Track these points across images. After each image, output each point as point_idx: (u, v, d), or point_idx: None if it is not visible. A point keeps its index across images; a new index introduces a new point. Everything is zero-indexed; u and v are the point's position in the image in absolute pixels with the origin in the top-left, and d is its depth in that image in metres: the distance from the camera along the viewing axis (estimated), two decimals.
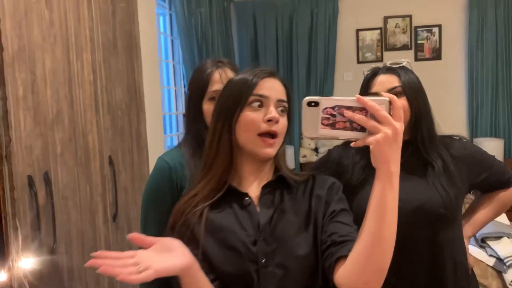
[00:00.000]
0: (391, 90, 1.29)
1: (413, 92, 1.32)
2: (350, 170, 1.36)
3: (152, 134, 2.47)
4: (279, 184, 1.05)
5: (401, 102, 1.26)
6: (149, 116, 2.30)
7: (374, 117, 0.80)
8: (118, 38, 1.94)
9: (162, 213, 1.21)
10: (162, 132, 2.86)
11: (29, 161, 1.29)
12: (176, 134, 3.56)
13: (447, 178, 1.30)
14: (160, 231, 1.12)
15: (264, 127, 0.98)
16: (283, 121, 1.02)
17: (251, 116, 0.99)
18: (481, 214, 1.43)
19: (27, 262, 0.94)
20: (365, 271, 0.84)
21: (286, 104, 1.03)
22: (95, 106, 1.69)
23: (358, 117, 0.80)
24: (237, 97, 1.00)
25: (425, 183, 1.31)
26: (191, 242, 0.98)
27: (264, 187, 1.04)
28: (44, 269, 1.31)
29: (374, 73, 1.35)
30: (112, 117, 1.84)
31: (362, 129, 0.81)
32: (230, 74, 1.30)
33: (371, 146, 0.80)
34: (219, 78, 1.29)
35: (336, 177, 1.10)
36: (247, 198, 1.02)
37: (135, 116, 2.10)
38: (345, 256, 0.89)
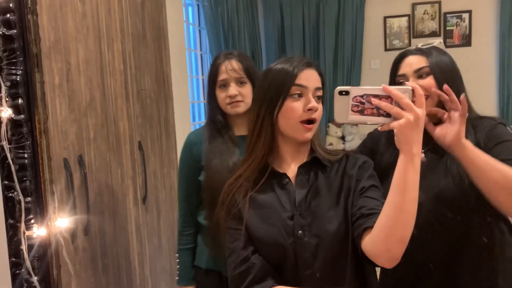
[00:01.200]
0: (418, 71, 1.29)
1: (442, 73, 1.28)
2: (379, 153, 1.39)
3: (180, 121, 2.56)
4: (314, 164, 1.16)
5: (429, 82, 1.27)
6: (176, 104, 2.38)
7: (398, 104, 0.90)
8: (147, 28, 2.02)
9: (187, 179, 1.59)
10: (190, 120, 2.95)
11: (64, 145, 1.39)
12: (203, 121, 3.65)
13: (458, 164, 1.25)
14: (187, 192, 1.60)
15: (305, 115, 1.10)
16: (320, 108, 1.13)
17: (293, 106, 1.10)
18: (488, 157, 1.22)
19: (62, 222, 1.08)
20: (388, 240, 0.94)
21: (321, 92, 1.14)
22: (125, 94, 1.78)
23: (384, 104, 0.91)
24: (279, 87, 1.10)
25: (445, 169, 1.28)
26: (236, 218, 1.14)
27: (300, 167, 1.15)
28: (80, 244, 1.41)
29: (403, 55, 1.35)
30: (142, 105, 1.93)
31: (388, 115, 0.92)
32: (234, 64, 1.53)
33: (395, 130, 0.90)
34: (225, 69, 1.52)
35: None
36: (286, 178, 1.14)
37: (164, 104, 2.19)
38: (371, 227, 0.99)
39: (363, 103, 0.93)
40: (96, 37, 1.60)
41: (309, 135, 1.12)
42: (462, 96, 1.17)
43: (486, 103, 4.29)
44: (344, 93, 0.94)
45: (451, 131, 1.17)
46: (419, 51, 1.33)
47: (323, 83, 1.15)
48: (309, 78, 1.11)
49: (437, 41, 1.38)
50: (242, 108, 1.52)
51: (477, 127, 1.30)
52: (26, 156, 1.06)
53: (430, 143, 1.31)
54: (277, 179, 1.15)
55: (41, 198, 1.04)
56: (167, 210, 2.17)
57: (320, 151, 1.18)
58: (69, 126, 1.42)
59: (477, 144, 1.22)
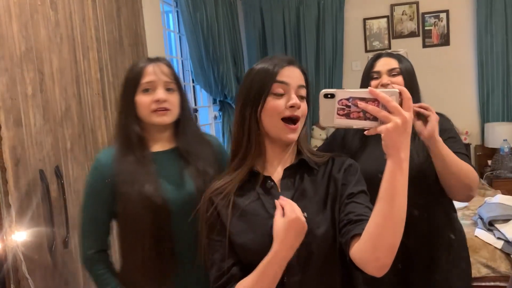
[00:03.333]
0: (391, 70, 1.56)
1: (408, 74, 1.57)
2: (348, 139, 1.60)
3: None
4: (300, 167, 1.12)
5: (399, 80, 1.54)
6: None
7: (385, 107, 0.87)
8: (124, 36, 2.00)
9: (96, 207, 1.27)
10: None
11: (40, 156, 1.36)
12: None
13: (419, 144, 1.48)
14: (93, 225, 1.29)
15: (287, 112, 1.06)
16: (304, 106, 1.09)
17: (274, 103, 1.06)
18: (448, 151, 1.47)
19: (20, 236, 1.03)
20: (376, 248, 0.91)
21: (305, 90, 1.10)
22: (103, 103, 1.76)
23: (371, 107, 0.88)
24: (261, 86, 1.07)
25: (412, 149, 1.46)
26: (221, 231, 1.08)
27: (286, 170, 1.11)
28: (58, 257, 1.38)
29: (378, 56, 1.62)
30: None
31: (375, 118, 0.89)
32: (164, 68, 1.31)
33: (382, 134, 0.87)
34: (153, 70, 1.29)
35: (343, 151, 1.26)
36: (270, 181, 1.10)
37: None
38: (359, 234, 0.96)
39: (349, 107, 0.90)
40: (70, 45, 1.57)
41: (293, 136, 1.08)
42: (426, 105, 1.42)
43: (466, 100, 4.34)
44: (329, 96, 0.90)
45: (428, 126, 1.37)
46: (392, 55, 1.60)
47: (307, 82, 1.12)
48: (291, 75, 1.08)
49: (403, 51, 1.66)
50: (169, 117, 1.29)
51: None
52: None
53: None
54: (261, 183, 1.11)
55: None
56: None
57: (307, 153, 1.14)
58: (44, 137, 1.39)
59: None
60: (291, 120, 1.07)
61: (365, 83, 1.61)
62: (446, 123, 1.54)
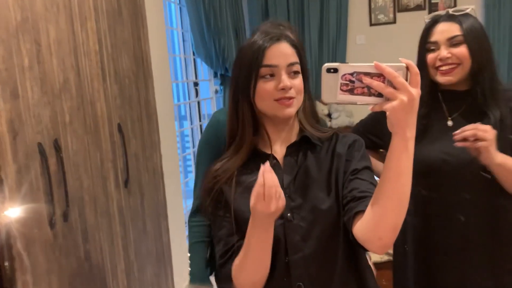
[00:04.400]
0: (451, 39, 1.28)
1: (476, 41, 1.28)
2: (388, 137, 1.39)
3: (161, 102, 2.51)
4: (303, 144, 1.11)
5: (462, 51, 1.27)
6: (157, 84, 2.32)
7: (391, 83, 0.82)
8: (123, 6, 1.94)
9: (208, 162, 1.24)
10: (172, 100, 2.89)
11: (38, 129, 1.34)
12: (187, 102, 3.60)
13: (500, 132, 1.26)
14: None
15: (279, 95, 1.03)
16: (298, 82, 1.05)
17: (265, 87, 1.04)
18: None
19: (14, 212, 1.01)
20: (379, 228, 0.90)
21: (298, 66, 1.06)
22: (102, 75, 1.72)
23: (376, 83, 0.83)
24: (248, 71, 1.04)
25: None
26: (225, 207, 1.09)
27: (289, 147, 1.11)
28: (58, 231, 1.37)
29: (435, 21, 1.33)
30: (120, 86, 1.87)
31: (380, 94, 0.84)
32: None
33: (387, 112, 0.83)
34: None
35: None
36: (273, 159, 1.09)
37: (143, 84, 2.13)
38: (363, 211, 0.95)
39: (353, 82, 0.85)
40: (67, 15, 1.53)
41: (290, 110, 1.05)
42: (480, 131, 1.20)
43: None
44: (332, 70, 0.85)
45: (483, 158, 1.20)
46: (452, 18, 1.30)
47: (300, 55, 1.07)
48: (279, 54, 1.03)
49: (470, 8, 1.32)
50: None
51: (509, 100, 1.32)
52: None
53: (461, 108, 1.34)
54: (264, 160, 1.06)
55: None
56: (151, 193, 2.14)
57: (310, 129, 1.12)
58: (42, 109, 1.36)
59: (500, 117, 1.27)
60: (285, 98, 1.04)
61: (421, 57, 1.36)
62: None
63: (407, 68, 0.83)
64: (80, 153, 1.55)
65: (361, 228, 0.95)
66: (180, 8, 3.42)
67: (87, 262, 1.54)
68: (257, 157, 1.09)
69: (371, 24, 4.49)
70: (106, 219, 1.69)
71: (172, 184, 2.69)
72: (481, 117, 1.28)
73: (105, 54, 1.76)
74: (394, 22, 4.40)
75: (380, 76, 0.83)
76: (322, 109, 4.51)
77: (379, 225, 0.89)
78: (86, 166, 1.58)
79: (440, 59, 1.28)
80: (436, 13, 1.35)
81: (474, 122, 1.28)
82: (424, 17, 1.38)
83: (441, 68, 1.30)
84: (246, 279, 1.00)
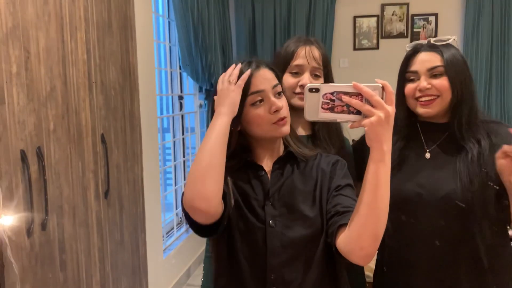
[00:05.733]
0: (432, 69, 1.24)
1: (457, 73, 1.24)
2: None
3: (146, 114, 2.51)
4: (289, 159, 1.16)
5: (442, 82, 1.23)
6: (142, 96, 2.33)
7: (368, 101, 0.89)
8: (113, 18, 1.96)
9: None
10: (156, 113, 2.90)
11: (22, 136, 1.33)
12: (171, 115, 3.60)
13: (479, 166, 1.22)
14: None
15: (274, 117, 1.09)
16: (284, 102, 1.12)
17: (258, 113, 1.09)
18: None
19: (7, 220, 1.01)
20: (361, 238, 0.94)
21: (280, 87, 1.12)
22: (88, 85, 1.73)
23: (355, 101, 0.89)
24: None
25: (454, 172, 1.25)
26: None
27: (275, 163, 1.16)
28: (36, 239, 1.36)
29: (416, 50, 1.29)
30: (105, 96, 1.88)
31: (358, 112, 0.91)
32: (316, 52, 1.40)
33: (366, 128, 0.90)
34: (304, 54, 1.39)
35: None
36: (262, 170, 1.14)
37: (129, 96, 2.13)
38: (345, 224, 1.00)
39: (333, 100, 0.91)
40: (58, 25, 1.54)
41: (285, 129, 1.11)
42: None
43: None
44: (314, 90, 0.92)
45: None
46: (433, 48, 1.27)
47: (278, 77, 1.13)
48: (263, 80, 1.09)
49: (452, 38, 1.29)
50: None
51: (494, 132, 1.27)
52: None
53: (439, 140, 1.32)
54: (253, 170, 1.15)
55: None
56: (130, 205, 2.13)
57: (295, 146, 1.18)
58: (27, 116, 1.36)
59: (496, 147, 1.18)
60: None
61: (400, 87, 1.32)
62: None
63: (383, 87, 0.90)
64: (62, 161, 1.54)
65: (344, 240, 0.99)
66: (168, 22, 3.45)
67: (62, 273, 1.52)
68: (248, 167, 1.15)
69: (354, 49, 4.60)
70: (84, 229, 1.68)
71: (151, 197, 2.68)
72: (460, 151, 1.27)
73: (93, 65, 1.77)
74: (377, 47, 4.53)
75: (358, 95, 0.90)
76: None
77: (360, 235, 0.94)
78: (67, 175, 1.57)
79: (420, 90, 1.26)
80: (418, 42, 1.33)
81: (452, 155, 1.27)
82: (405, 45, 1.38)
83: (421, 99, 1.28)
84: (197, 185, 0.97)
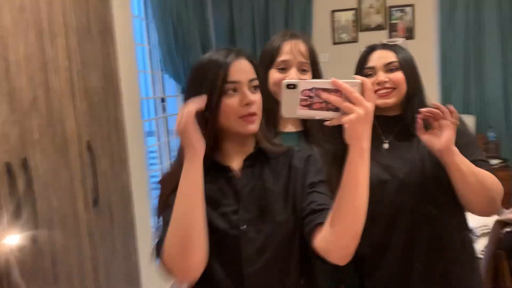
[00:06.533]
0: (388, 65, 1.36)
1: (409, 68, 1.37)
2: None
3: (130, 119, 2.47)
4: (259, 156, 1.11)
5: (398, 76, 1.35)
6: (126, 101, 2.29)
7: (347, 98, 0.86)
8: (92, 22, 1.92)
9: None
10: (140, 117, 2.85)
11: (6, 148, 1.29)
12: (156, 118, 3.55)
13: (429, 151, 1.30)
14: None
15: (243, 111, 1.03)
16: (258, 97, 1.06)
17: (229, 103, 1.03)
18: (467, 163, 1.25)
19: (11, 241, 0.97)
20: (341, 237, 0.92)
21: (257, 81, 1.07)
22: (71, 92, 1.69)
23: (334, 98, 0.87)
24: (212, 87, 1.02)
25: (409, 158, 1.35)
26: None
27: (246, 160, 1.10)
28: (27, 254, 1.32)
29: (372, 49, 1.41)
30: (89, 103, 1.84)
31: (337, 109, 0.88)
32: (302, 47, 1.37)
33: (345, 125, 0.87)
34: (290, 49, 1.36)
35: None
36: (230, 171, 1.08)
37: (112, 101, 2.09)
38: (322, 223, 0.97)
39: (311, 97, 0.89)
40: (37, 31, 1.49)
41: (253, 127, 1.05)
42: (451, 107, 1.22)
43: (429, 93, 4.44)
44: (292, 86, 0.89)
45: (443, 137, 1.19)
46: (387, 47, 1.40)
47: (257, 72, 1.09)
48: (240, 70, 1.04)
49: (401, 40, 1.42)
50: None
51: None
52: None
53: (394, 132, 1.40)
54: (221, 172, 1.09)
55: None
56: (120, 213, 2.09)
57: (266, 143, 1.12)
58: (10, 127, 1.32)
59: None
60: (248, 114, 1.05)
61: None
62: (460, 124, 1.26)
63: (362, 84, 0.88)
64: (49, 172, 1.50)
65: (323, 240, 0.96)
66: (147, 24, 3.40)
67: (55, 286, 1.49)
68: (214, 169, 1.08)
69: (334, 43, 4.61)
70: (76, 240, 1.64)
71: (140, 202, 2.64)
72: (412, 139, 1.36)
73: (75, 71, 1.73)
74: (356, 41, 4.55)
75: (337, 91, 0.87)
76: None
77: (341, 234, 0.92)
78: (56, 186, 1.53)
79: (378, 83, 1.35)
80: (371, 44, 1.46)
81: (407, 144, 1.37)
82: (359, 47, 1.50)
83: (379, 92, 1.37)
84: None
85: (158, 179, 1.13)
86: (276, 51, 1.38)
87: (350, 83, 0.87)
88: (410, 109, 1.37)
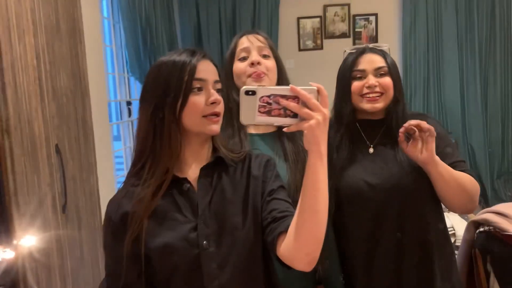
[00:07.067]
0: (378, 69, 1.37)
1: (396, 74, 1.39)
2: (334, 150, 1.40)
3: (98, 122, 2.39)
4: (217, 165, 1.08)
5: (387, 81, 1.37)
6: (94, 103, 2.21)
7: (305, 104, 0.88)
8: (61, 20, 1.84)
9: None
10: (108, 120, 2.77)
11: None
12: (123, 121, 3.46)
13: (402, 154, 1.36)
14: None
15: (208, 109, 1.02)
16: (222, 101, 1.06)
17: (194, 101, 1.01)
18: (447, 169, 1.32)
19: (30, 240, 0.90)
20: (306, 244, 0.92)
21: (220, 84, 1.07)
22: (39, 92, 1.61)
23: (293, 105, 0.88)
24: (178, 83, 1.00)
25: (396, 161, 1.37)
26: (134, 239, 0.99)
27: (203, 169, 1.07)
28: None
29: (361, 52, 1.41)
30: (58, 104, 1.76)
31: (295, 115, 0.90)
32: (259, 37, 1.38)
33: (304, 131, 0.88)
34: (247, 40, 1.38)
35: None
36: (186, 184, 1.05)
37: (80, 103, 2.02)
38: (285, 231, 0.96)
39: (270, 104, 0.89)
40: (5, 27, 1.41)
41: (215, 127, 1.04)
42: (424, 123, 1.26)
43: None
44: (250, 93, 0.89)
45: (425, 151, 1.24)
46: (375, 51, 1.40)
47: (219, 75, 1.08)
48: (206, 70, 1.03)
49: (386, 46, 1.44)
50: (266, 82, 1.33)
51: None
52: None
53: (377, 136, 1.42)
54: (177, 185, 1.04)
55: (6, 213, 0.83)
56: (88, 218, 2.01)
57: (223, 150, 1.10)
58: None
59: None
60: (212, 114, 1.04)
61: (344, 83, 1.41)
62: (438, 128, 1.32)
63: (318, 91, 0.89)
64: (16, 176, 1.42)
65: (287, 248, 0.95)
66: (113, 25, 3.31)
67: None
68: (170, 182, 1.03)
69: (299, 49, 4.67)
70: (43, 247, 1.55)
71: None
72: (396, 143, 1.37)
73: (43, 70, 1.65)
74: (321, 48, 4.62)
75: (295, 98, 0.89)
76: None
77: (305, 241, 0.91)
78: (22, 190, 1.45)
79: (368, 87, 1.36)
80: (358, 46, 1.46)
81: (391, 147, 1.39)
82: (344, 48, 1.49)
83: (368, 95, 1.38)
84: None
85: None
86: (234, 46, 1.41)
87: (307, 89, 0.88)
88: (395, 115, 1.40)
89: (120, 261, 0.98)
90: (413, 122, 1.26)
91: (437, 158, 1.25)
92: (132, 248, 0.98)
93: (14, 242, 0.85)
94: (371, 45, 1.43)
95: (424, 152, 1.25)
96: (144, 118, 1.03)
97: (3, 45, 1.39)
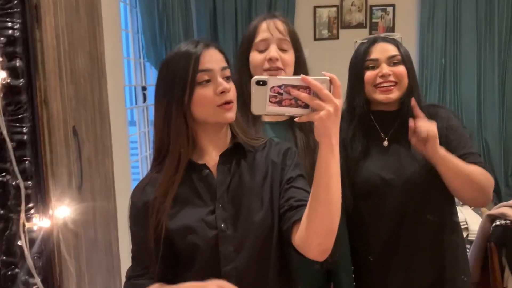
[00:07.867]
0: (391, 58, 1.35)
1: (409, 63, 1.38)
2: (348, 144, 1.40)
3: (114, 105, 2.40)
4: (236, 151, 1.10)
5: (401, 70, 1.35)
6: (110, 87, 2.22)
7: (317, 95, 0.87)
8: (80, 2, 1.84)
9: None
10: (124, 104, 2.78)
11: None
12: (138, 106, 3.48)
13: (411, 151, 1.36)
14: None
15: (219, 100, 1.03)
16: (232, 87, 1.06)
17: (203, 93, 1.02)
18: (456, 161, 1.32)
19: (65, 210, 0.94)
20: (318, 234, 0.92)
21: (229, 70, 1.07)
22: (58, 73, 1.61)
23: (304, 95, 0.88)
24: (183, 77, 1.02)
25: (411, 155, 1.37)
26: (156, 224, 1.05)
27: (222, 155, 1.09)
28: None
29: (373, 41, 1.40)
30: (75, 86, 1.76)
31: (306, 106, 0.89)
32: (279, 25, 1.33)
33: (315, 122, 0.88)
34: (266, 27, 1.33)
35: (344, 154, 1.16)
36: (205, 169, 1.07)
37: (97, 86, 2.02)
38: (300, 219, 0.98)
39: (281, 94, 0.89)
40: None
41: (230, 115, 1.05)
42: (420, 127, 1.26)
43: None
44: (261, 83, 0.89)
45: (427, 147, 1.24)
46: (388, 40, 1.39)
47: (228, 62, 1.09)
48: (212, 59, 1.04)
49: (398, 35, 1.44)
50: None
51: (435, 116, 1.39)
52: (24, 131, 0.87)
53: (392, 128, 1.37)
54: (196, 171, 1.08)
55: (42, 183, 0.86)
56: (102, 201, 2.02)
57: (242, 136, 1.12)
58: None
59: (440, 130, 1.32)
60: (225, 103, 1.05)
61: (357, 73, 1.40)
62: (452, 119, 1.34)
63: (330, 81, 0.88)
64: (53, 148, 1.42)
65: (300, 237, 0.96)
66: (131, 10, 3.32)
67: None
68: (189, 169, 1.07)
69: (315, 39, 4.63)
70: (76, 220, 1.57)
71: (122, 192, 2.57)
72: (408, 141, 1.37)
73: (62, 51, 1.65)
74: (337, 37, 4.58)
75: (306, 88, 0.88)
76: None
77: (317, 231, 0.92)
78: (57, 163, 1.46)
79: (382, 76, 1.34)
80: (371, 36, 1.45)
81: (406, 141, 1.36)
82: (355, 40, 1.48)
83: (382, 85, 1.36)
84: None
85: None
86: (253, 32, 1.37)
87: (319, 80, 0.87)
88: (409, 105, 1.37)
89: (143, 245, 1.02)
90: (411, 124, 1.25)
91: (442, 153, 1.24)
92: (154, 233, 1.02)
93: (50, 212, 0.87)
94: (382, 35, 1.42)
95: (428, 149, 1.26)
96: (159, 115, 1.07)
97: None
